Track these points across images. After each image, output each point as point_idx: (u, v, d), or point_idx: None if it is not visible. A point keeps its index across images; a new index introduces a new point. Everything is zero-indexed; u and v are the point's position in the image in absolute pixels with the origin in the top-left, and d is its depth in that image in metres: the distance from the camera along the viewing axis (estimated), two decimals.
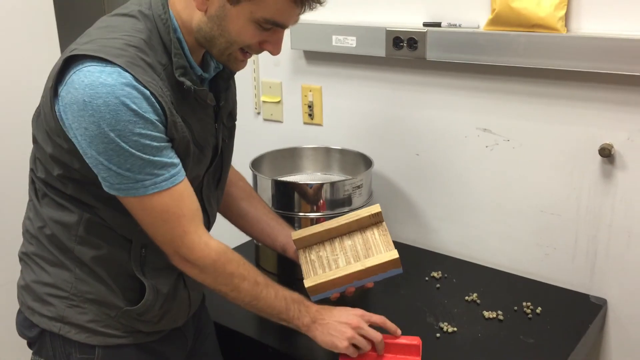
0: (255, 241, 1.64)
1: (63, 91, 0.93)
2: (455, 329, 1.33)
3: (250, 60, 1.87)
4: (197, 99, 1.03)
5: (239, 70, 1.07)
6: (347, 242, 1.28)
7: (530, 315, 1.37)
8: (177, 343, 1.20)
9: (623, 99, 1.33)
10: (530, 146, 1.47)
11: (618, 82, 1.32)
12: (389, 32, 1.54)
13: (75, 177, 1.01)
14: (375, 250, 1.24)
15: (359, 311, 1.18)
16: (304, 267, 1.26)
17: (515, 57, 1.39)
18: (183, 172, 1.00)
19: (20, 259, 1.14)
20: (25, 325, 1.12)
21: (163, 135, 0.96)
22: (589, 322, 1.36)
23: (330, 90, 1.76)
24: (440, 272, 1.56)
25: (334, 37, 1.64)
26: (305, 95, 1.81)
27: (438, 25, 1.49)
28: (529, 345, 1.28)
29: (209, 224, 1.15)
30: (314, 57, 1.76)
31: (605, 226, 1.42)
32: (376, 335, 1.15)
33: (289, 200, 1.52)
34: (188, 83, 0.99)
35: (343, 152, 1.72)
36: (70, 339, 1.07)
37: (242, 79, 1.90)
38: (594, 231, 1.44)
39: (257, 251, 1.65)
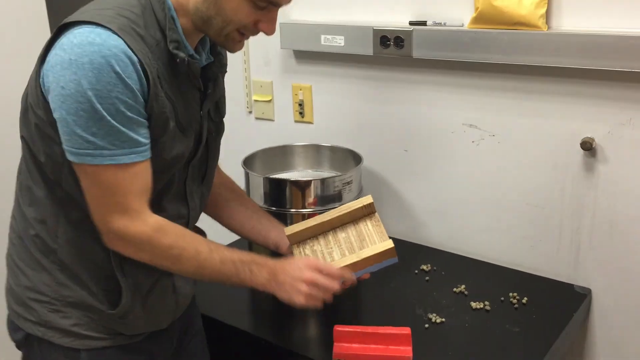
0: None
1: (50, 55, 0.94)
2: (443, 319, 1.37)
3: (241, 60, 1.91)
4: (187, 80, 1.04)
5: (236, 51, 1.08)
6: (341, 234, 1.28)
7: (516, 305, 1.41)
8: (162, 341, 1.20)
9: (603, 94, 1.37)
10: (515, 141, 1.51)
11: (598, 77, 1.36)
12: (376, 31, 1.57)
13: (57, 160, 0.99)
14: (370, 241, 1.25)
15: (313, 262, 1.15)
16: None
17: (498, 54, 1.42)
18: (147, 154, 0.98)
19: (6, 261, 1.14)
20: (12, 328, 1.13)
21: (139, 108, 0.95)
22: (573, 311, 1.40)
23: (320, 89, 1.79)
24: (429, 265, 1.60)
25: (322, 37, 1.67)
26: (296, 94, 1.84)
27: (424, 24, 1.53)
28: (514, 334, 1.32)
29: (188, 217, 1.14)
30: (304, 56, 1.79)
31: (588, 218, 1.46)
32: (331, 285, 1.13)
33: (281, 197, 1.55)
34: (182, 55, 1.00)
35: (333, 149, 1.75)
36: (55, 343, 1.08)
37: (234, 79, 1.93)
38: (577, 223, 1.48)
39: (250, 249, 1.69)
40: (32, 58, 1.02)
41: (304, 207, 1.55)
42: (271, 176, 1.66)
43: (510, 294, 1.45)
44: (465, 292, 1.47)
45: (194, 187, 1.15)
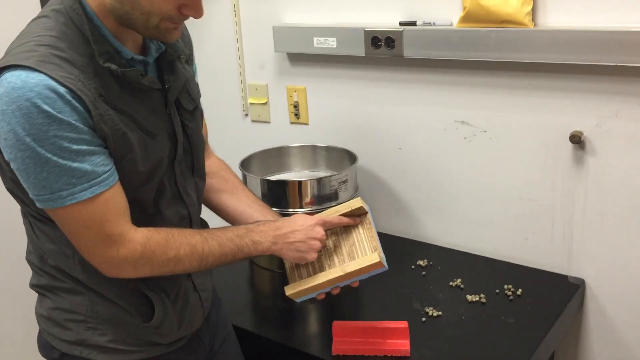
0: None
1: None
2: (440, 313, 1.40)
3: (236, 64, 1.94)
4: (137, 86, 0.99)
5: (173, 40, 1.00)
6: (331, 238, 1.22)
7: (511, 297, 1.44)
8: (195, 350, 1.20)
9: (590, 88, 1.40)
10: (506, 136, 1.54)
11: (584, 72, 1.39)
12: (367, 32, 1.60)
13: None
14: (359, 248, 1.19)
15: (317, 219, 1.17)
16: (287, 265, 1.23)
17: (487, 52, 1.45)
18: (110, 180, 0.95)
19: (35, 290, 1.13)
20: (47, 347, 1.12)
21: (86, 137, 0.91)
22: (567, 301, 1.43)
23: (314, 90, 1.82)
24: (425, 260, 1.63)
25: (315, 39, 1.70)
26: (291, 96, 1.87)
27: (413, 24, 1.56)
28: (509, 325, 1.35)
29: (189, 214, 1.13)
30: (297, 58, 1.82)
31: (579, 209, 1.49)
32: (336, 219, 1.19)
33: (278, 197, 1.58)
34: (113, 66, 0.94)
35: (329, 149, 1.78)
36: (92, 359, 1.08)
37: (229, 82, 1.96)
38: (569, 215, 1.51)
39: None
40: None
41: (301, 207, 1.58)
42: (269, 177, 1.69)
43: (505, 287, 1.48)
44: (461, 286, 1.50)
45: (186, 183, 1.12)
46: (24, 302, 1.75)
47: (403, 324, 1.28)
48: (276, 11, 1.80)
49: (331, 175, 1.59)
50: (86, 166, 0.92)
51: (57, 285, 1.07)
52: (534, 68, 1.45)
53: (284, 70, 1.86)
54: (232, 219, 1.28)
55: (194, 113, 1.14)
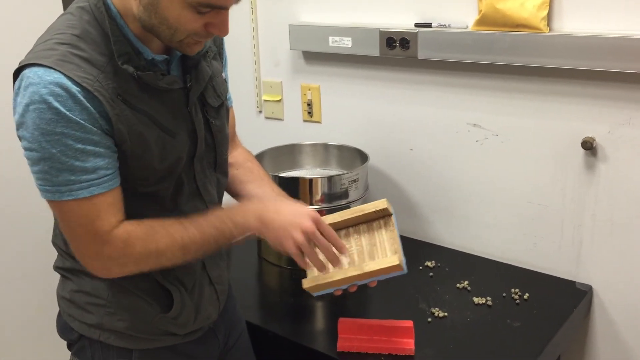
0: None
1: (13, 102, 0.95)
2: (446, 314, 1.40)
3: (252, 61, 1.96)
4: (157, 87, 1.00)
5: (194, 53, 1.01)
6: (354, 235, 1.22)
7: (518, 301, 1.45)
8: (209, 343, 1.21)
9: (603, 94, 1.40)
10: (518, 140, 1.54)
11: (598, 78, 1.39)
12: (382, 33, 1.61)
13: None
14: (380, 249, 1.18)
15: (313, 212, 1.08)
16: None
17: (501, 55, 1.45)
18: (111, 183, 0.97)
19: (58, 272, 1.15)
20: (65, 328, 1.15)
21: (92, 137, 0.93)
22: (573, 307, 1.43)
23: (328, 89, 1.84)
24: (433, 261, 1.63)
25: (330, 38, 1.71)
26: (305, 94, 1.88)
27: (429, 25, 1.56)
28: (515, 329, 1.35)
29: (207, 209, 1.12)
30: (312, 57, 1.83)
31: (589, 216, 1.49)
32: (327, 246, 1.07)
33: (289, 194, 1.57)
34: (131, 69, 0.95)
35: (340, 148, 1.79)
36: (109, 344, 1.10)
37: (244, 79, 1.98)
38: (578, 221, 1.51)
39: (259, 244, 1.73)
40: None
41: (312, 204, 1.59)
42: (280, 174, 1.70)
43: (512, 290, 1.48)
44: (468, 288, 1.51)
45: (206, 179, 1.13)
46: (43, 284, 1.79)
47: (408, 324, 1.29)
48: (293, 10, 1.81)
49: (342, 174, 1.60)
50: (88, 166, 0.93)
51: (80, 269, 1.09)
52: (548, 73, 1.45)
53: (299, 69, 1.87)
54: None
55: (220, 110, 1.14)
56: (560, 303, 1.44)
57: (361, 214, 1.20)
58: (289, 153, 1.83)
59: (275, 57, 1.91)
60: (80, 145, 0.92)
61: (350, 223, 1.23)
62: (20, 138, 0.95)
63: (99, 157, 0.94)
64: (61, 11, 1.89)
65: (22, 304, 1.93)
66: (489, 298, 1.45)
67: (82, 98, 0.91)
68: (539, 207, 1.55)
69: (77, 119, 0.91)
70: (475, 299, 1.45)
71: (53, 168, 0.92)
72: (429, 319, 1.39)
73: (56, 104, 0.89)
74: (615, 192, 1.44)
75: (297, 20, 1.80)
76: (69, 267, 1.11)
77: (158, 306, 1.09)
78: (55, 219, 1.11)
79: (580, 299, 1.47)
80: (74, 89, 0.90)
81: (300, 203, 1.13)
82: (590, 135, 1.43)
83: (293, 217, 1.06)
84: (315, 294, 1.19)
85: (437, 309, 1.42)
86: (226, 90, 1.18)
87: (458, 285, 1.52)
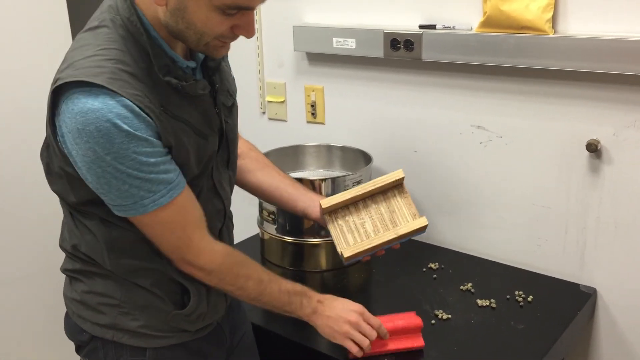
0: (260, 235, 1.72)
1: (58, 122, 0.94)
2: (449, 316, 1.40)
3: (255, 62, 1.96)
4: (195, 95, 1.03)
5: (221, 56, 1.03)
6: (372, 205, 1.35)
7: (521, 303, 1.44)
8: (218, 339, 1.23)
9: (608, 97, 1.39)
10: (522, 142, 1.54)
11: (603, 80, 1.39)
12: (386, 34, 1.61)
13: (94, 201, 1.01)
14: (400, 214, 1.33)
15: (359, 307, 1.23)
16: (333, 232, 1.32)
17: (505, 57, 1.45)
18: (182, 183, 1.01)
19: (66, 274, 1.16)
20: (75, 330, 1.15)
21: (159, 149, 0.96)
22: (577, 310, 1.42)
23: (332, 90, 1.83)
24: (437, 263, 1.63)
25: (334, 40, 1.71)
26: (308, 95, 1.88)
27: (433, 27, 1.56)
28: (519, 331, 1.35)
29: (224, 207, 1.17)
30: (316, 58, 1.83)
31: (593, 218, 1.49)
32: (371, 333, 1.21)
33: None
34: (174, 81, 0.98)
35: (344, 150, 1.79)
36: (123, 343, 1.10)
37: (248, 80, 1.98)
38: (583, 223, 1.50)
39: (262, 245, 1.73)
40: (53, 58, 1.03)
41: None
42: None
43: (516, 292, 1.48)
44: (472, 290, 1.50)
45: (221, 176, 1.15)
46: (48, 286, 1.79)
47: (416, 321, 1.28)
48: (297, 10, 1.81)
49: (346, 175, 1.59)
50: (162, 175, 0.97)
51: (91, 270, 1.10)
52: (552, 75, 1.44)
53: (303, 70, 1.87)
54: (268, 195, 1.38)
55: (232, 109, 1.17)
56: (564, 305, 1.44)
57: (382, 184, 1.33)
58: (293, 154, 1.82)
59: (279, 58, 1.91)
60: (152, 160, 0.95)
61: (369, 194, 1.35)
62: (80, 163, 0.94)
63: (167, 164, 0.98)
64: (65, 11, 1.89)
65: (28, 307, 1.93)
66: (492, 300, 1.45)
67: (144, 115, 0.93)
68: (543, 209, 1.55)
69: (144, 136, 0.93)
70: (479, 301, 1.45)
71: (133, 186, 0.95)
72: (433, 321, 1.38)
73: (125, 127, 0.91)
74: (619, 194, 1.44)
75: (301, 22, 1.80)
76: (79, 269, 1.12)
77: (172, 303, 1.11)
78: (67, 224, 1.12)
79: (584, 301, 1.46)
80: (135, 108, 0.92)
81: (346, 301, 1.24)
82: (595, 138, 1.43)
83: (341, 312, 1.21)
84: (347, 263, 1.32)
85: (440, 311, 1.41)
86: (236, 89, 1.20)
87: (462, 287, 1.52)
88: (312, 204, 1.36)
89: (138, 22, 0.96)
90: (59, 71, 0.95)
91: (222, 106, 1.12)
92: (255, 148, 1.40)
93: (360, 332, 1.21)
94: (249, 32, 0.98)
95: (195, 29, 0.94)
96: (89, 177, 0.96)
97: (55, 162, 1.02)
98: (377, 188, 1.33)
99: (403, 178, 1.34)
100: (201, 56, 1.07)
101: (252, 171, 1.36)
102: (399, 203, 1.34)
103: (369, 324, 1.22)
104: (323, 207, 1.31)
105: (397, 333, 1.27)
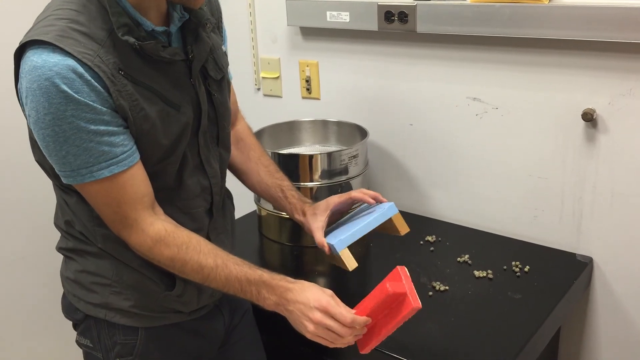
0: (257, 211, 1.72)
1: (18, 84, 0.93)
2: (447, 287, 1.41)
3: (249, 38, 1.94)
4: (159, 58, 0.99)
5: (199, 4, 1.00)
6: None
7: (518, 274, 1.45)
8: (215, 320, 1.22)
9: (604, 65, 1.39)
10: (518, 113, 1.54)
11: (599, 49, 1.38)
12: (380, 7, 1.59)
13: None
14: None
15: (325, 302, 1.04)
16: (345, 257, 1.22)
17: (500, 27, 1.44)
18: (130, 160, 0.97)
19: (61, 253, 1.16)
20: (70, 309, 1.16)
21: (104, 117, 0.92)
22: (574, 279, 1.43)
23: (327, 65, 1.82)
24: (434, 236, 1.64)
25: (328, 13, 1.69)
26: (303, 71, 1.87)
27: None
28: (515, 301, 1.36)
29: (210, 185, 1.14)
30: (310, 33, 1.82)
31: (589, 188, 1.49)
32: (342, 332, 1.03)
33: (289, 171, 1.57)
34: (132, 39, 0.94)
35: (340, 124, 1.79)
36: (115, 322, 1.11)
37: (242, 56, 1.96)
38: (579, 193, 1.51)
39: (259, 221, 1.73)
40: None
41: (312, 181, 1.59)
42: (280, 151, 1.69)
43: (513, 263, 1.48)
44: (469, 262, 1.51)
45: (209, 153, 1.13)
46: (47, 264, 1.80)
47: (386, 291, 1.04)
48: None
49: (342, 150, 1.59)
50: (104, 147, 0.93)
51: (84, 249, 1.10)
52: (547, 44, 1.44)
53: (297, 45, 1.86)
54: (251, 184, 1.34)
55: (221, 83, 1.14)
56: (561, 275, 1.45)
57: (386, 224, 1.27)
58: (288, 130, 1.82)
59: (272, 34, 1.89)
60: (93, 127, 0.91)
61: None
62: (30, 124, 0.94)
63: (114, 136, 0.94)
64: None
65: (26, 286, 1.94)
66: (489, 271, 1.46)
67: (89, 77, 0.90)
68: (539, 179, 1.55)
69: (86, 100, 0.90)
70: (476, 273, 1.46)
71: (70, 153, 0.92)
72: (430, 293, 1.39)
73: (64, 87, 0.88)
74: (615, 163, 1.44)
75: None
76: (72, 248, 1.12)
77: (163, 284, 1.10)
78: (58, 201, 1.12)
79: (580, 270, 1.47)
80: (80, 68, 0.89)
81: (311, 289, 1.06)
82: (590, 107, 1.42)
83: (304, 308, 1.04)
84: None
85: (438, 283, 1.42)
86: (227, 63, 1.17)
87: (459, 259, 1.52)
88: (300, 206, 1.30)
89: None
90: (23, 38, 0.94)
91: (202, 77, 1.08)
92: (250, 134, 1.36)
93: (329, 331, 1.04)
94: None
95: None
96: (37, 140, 0.94)
97: (30, 130, 1.00)
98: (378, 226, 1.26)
99: (405, 233, 1.29)
100: (177, 23, 1.03)
101: (243, 162, 1.33)
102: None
103: (337, 319, 1.04)
104: (351, 269, 1.22)
105: (379, 312, 1.08)
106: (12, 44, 0.97)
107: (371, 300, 1.06)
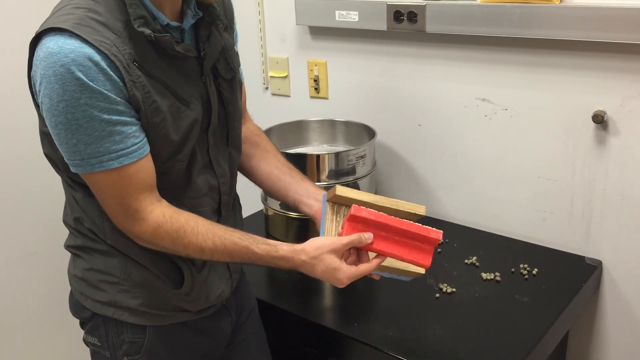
0: (264, 211, 1.72)
1: (33, 73, 0.93)
2: (454, 289, 1.40)
3: (257, 37, 1.94)
4: (173, 53, 0.99)
5: (212, 0, 1.02)
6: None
7: (526, 277, 1.44)
8: (222, 320, 1.22)
9: (615, 67, 1.37)
10: (527, 114, 1.52)
11: (610, 50, 1.36)
12: (389, 6, 1.59)
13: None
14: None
15: (352, 274, 1.07)
16: (327, 225, 1.16)
17: (511, 28, 1.43)
18: (140, 153, 0.97)
19: (69, 251, 1.16)
20: (78, 307, 1.15)
21: (118, 107, 0.92)
22: (583, 282, 1.42)
23: (335, 64, 1.81)
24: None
25: (337, 13, 1.69)
26: (311, 70, 1.86)
27: None
28: (523, 304, 1.34)
29: (218, 184, 1.13)
30: (319, 32, 1.81)
31: (599, 190, 1.47)
32: (368, 267, 1.07)
33: None
34: (147, 31, 0.94)
35: (347, 124, 1.78)
36: (123, 321, 1.10)
37: (250, 55, 1.96)
38: (589, 195, 1.49)
39: (266, 221, 1.73)
40: None
41: (319, 181, 1.58)
42: (287, 151, 1.69)
43: (521, 266, 1.47)
44: (477, 264, 1.50)
45: (219, 153, 1.13)
46: (55, 262, 1.81)
47: (434, 234, 1.08)
48: None
49: (349, 150, 1.58)
50: (115, 137, 0.93)
51: (92, 247, 1.10)
52: (558, 45, 1.42)
53: (305, 44, 1.85)
54: (262, 182, 1.30)
55: (232, 82, 1.14)
56: (570, 278, 1.43)
57: (400, 208, 1.15)
58: (296, 130, 1.81)
59: (281, 33, 1.89)
60: (106, 116, 0.91)
61: (383, 209, 1.16)
62: (42, 111, 0.94)
63: (127, 126, 0.94)
64: None
65: (34, 284, 1.94)
66: (497, 273, 1.45)
67: (105, 66, 0.90)
68: (548, 181, 1.54)
69: (100, 89, 0.89)
70: (484, 275, 1.45)
71: (81, 141, 0.92)
72: (437, 295, 1.38)
73: (79, 74, 0.87)
74: (626, 166, 1.42)
75: None
76: (80, 245, 1.12)
77: (170, 282, 1.10)
78: (67, 198, 1.12)
79: (589, 274, 1.46)
80: (97, 57, 0.89)
81: (318, 259, 1.07)
82: (601, 109, 1.41)
83: (333, 278, 1.07)
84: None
85: (445, 284, 1.41)
86: (239, 63, 1.18)
87: (466, 260, 1.51)
88: (305, 195, 1.24)
89: None
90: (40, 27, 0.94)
91: (212, 76, 1.09)
92: (260, 133, 1.34)
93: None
94: None
95: None
96: (49, 126, 0.93)
97: (41, 122, 1.00)
98: (392, 209, 1.15)
99: (422, 215, 1.16)
100: (191, 20, 1.04)
101: (248, 156, 1.29)
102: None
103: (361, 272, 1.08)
104: (336, 193, 1.13)
105: (408, 237, 1.08)
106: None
107: (402, 224, 1.08)
